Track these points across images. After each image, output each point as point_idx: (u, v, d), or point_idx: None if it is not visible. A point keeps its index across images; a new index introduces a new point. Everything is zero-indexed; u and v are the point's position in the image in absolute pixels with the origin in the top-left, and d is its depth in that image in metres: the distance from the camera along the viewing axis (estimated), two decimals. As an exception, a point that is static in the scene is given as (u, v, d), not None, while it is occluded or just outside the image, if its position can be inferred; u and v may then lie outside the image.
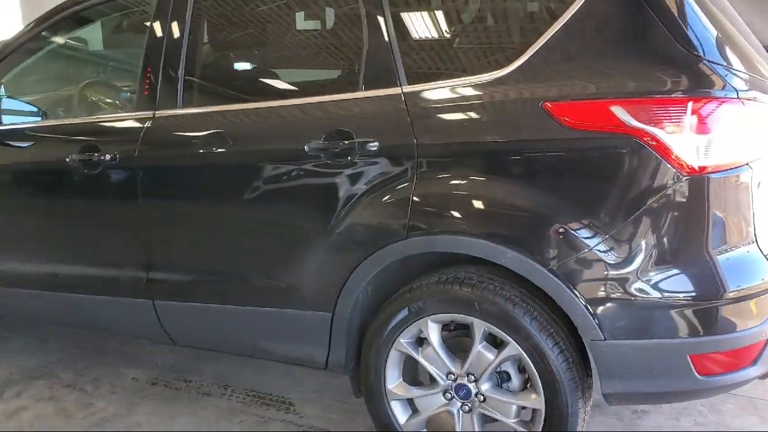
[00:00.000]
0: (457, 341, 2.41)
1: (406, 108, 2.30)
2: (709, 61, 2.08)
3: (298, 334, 2.61)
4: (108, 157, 2.77)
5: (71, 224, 3.01)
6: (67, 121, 3.21)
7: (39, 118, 3.24)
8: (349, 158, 2.36)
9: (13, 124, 3.18)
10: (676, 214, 2.06)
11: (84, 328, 3.42)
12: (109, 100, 3.39)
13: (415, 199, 2.27)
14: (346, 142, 2.36)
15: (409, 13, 2.44)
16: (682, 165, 2.02)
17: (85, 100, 3.35)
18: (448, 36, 2.47)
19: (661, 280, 2.07)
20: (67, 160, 2.85)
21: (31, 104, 3.25)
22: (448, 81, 2.30)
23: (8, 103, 3.19)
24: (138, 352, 3.65)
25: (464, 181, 2.23)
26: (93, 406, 3.15)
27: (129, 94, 3.20)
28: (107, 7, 3.13)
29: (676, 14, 2.13)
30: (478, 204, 2.22)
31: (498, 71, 2.23)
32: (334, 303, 2.48)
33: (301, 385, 3.25)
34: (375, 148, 2.32)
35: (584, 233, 2.09)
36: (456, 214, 2.23)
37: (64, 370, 3.49)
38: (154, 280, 2.80)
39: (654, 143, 2.02)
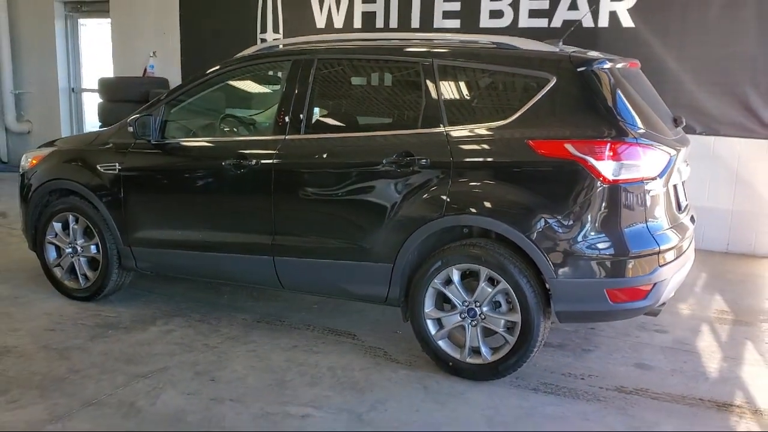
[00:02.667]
0: (468, 283, 3.93)
1: (447, 139, 3.88)
2: (623, 122, 3.66)
3: (370, 279, 4.14)
4: (253, 162, 4.34)
5: (220, 206, 4.57)
6: (221, 139, 4.80)
7: (192, 137, 4.86)
8: (411, 168, 3.93)
9: (174, 139, 4.77)
10: (600, 206, 3.61)
11: (219, 279, 4.90)
12: (235, 128, 4.99)
13: (450, 193, 3.83)
14: (409, 158, 3.94)
15: (450, 83, 4.04)
16: (604, 178, 3.58)
17: (222, 126, 4.97)
18: (473, 97, 4.06)
19: (591, 244, 3.62)
20: (223, 164, 4.43)
21: (188, 128, 4.87)
22: (473, 125, 3.89)
23: (171, 126, 4.80)
24: (243, 305, 5.18)
25: (480, 183, 3.80)
26: (219, 331, 4.67)
27: (266, 123, 4.81)
28: (243, 71, 4.77)
29: (607, 95, 3.73)
30: (487, 197, 3.78)
31: (502, 121, 3.82)
32: (394, 258, 4.01)
33: (360, 326, 4.77)
34: (426, 162, 3.90)
35: (547, 215, 3.64)
36: (475, 202, 3.79)
37: (192, 313, 5.00)
38: (276, 243, 4.35)
39: (588, 165, 3.58)
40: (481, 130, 3.85)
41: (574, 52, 3.94)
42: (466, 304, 3.89)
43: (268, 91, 5.05)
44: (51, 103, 11.30)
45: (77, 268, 5.14)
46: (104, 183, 4.86)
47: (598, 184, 3.58)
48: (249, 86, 5.13)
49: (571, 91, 3.75)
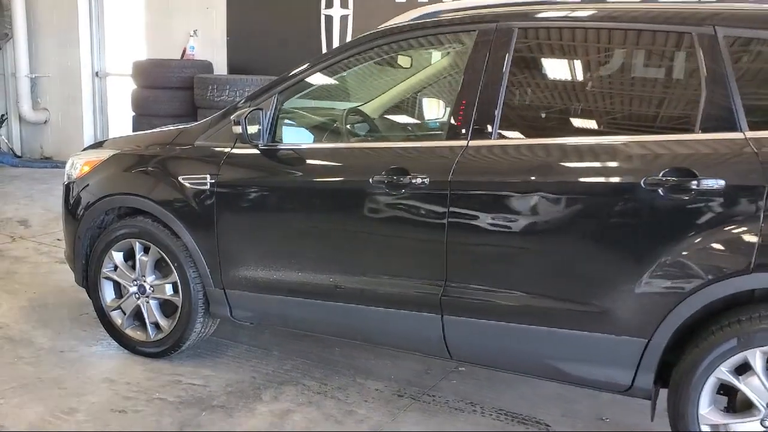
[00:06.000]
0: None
1: (755, 152, 2.50)
2: None
3: (605, 358, 2.79)
4: (418, 180, 2.97)
5: (363, 239, 3.20)
6: (366, 145, 3.43)
7: (312, 139, 3.49)
8: (692, 194, 2.55)
9: (293, 143, 3.39)
10: None
11: (353, 339, 3.49)
12: (381, 130, 3.62)
13: (763, 237, 2.45)
14: (684, 178, 2.56)
15: (749, 64, 2.65)
16: None
17: (350, 124, 3.59)
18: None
19: None
20: (370, 181, 3.06)
21: (307, 128, 3.48)
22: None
23: (284, 124, 3.43)
24: (364, 364, 3.82)
25: (819, 224, 2.43)
26: (355, 413, 3.31)
27: (434, 123, 3.42)
28: (397, 46, 3.36)
29: None
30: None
31: None
32: (653, 330, 2.65)
33: (544, 406, 3.42)
34: (720, 187, 2.52)
35: None
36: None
37: (304, 378, 3.65)
38: (448, 296, 2.98)
39: None
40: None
41: None
42: (773, 406, 2.53)
43: (434, 76, 3.65)
44: (72, 89, 10.03)
45: (145, 314, 3.77)
46: (189, 201, 3.50)
47: None
48: (401, 69, 3.71)
49: None
